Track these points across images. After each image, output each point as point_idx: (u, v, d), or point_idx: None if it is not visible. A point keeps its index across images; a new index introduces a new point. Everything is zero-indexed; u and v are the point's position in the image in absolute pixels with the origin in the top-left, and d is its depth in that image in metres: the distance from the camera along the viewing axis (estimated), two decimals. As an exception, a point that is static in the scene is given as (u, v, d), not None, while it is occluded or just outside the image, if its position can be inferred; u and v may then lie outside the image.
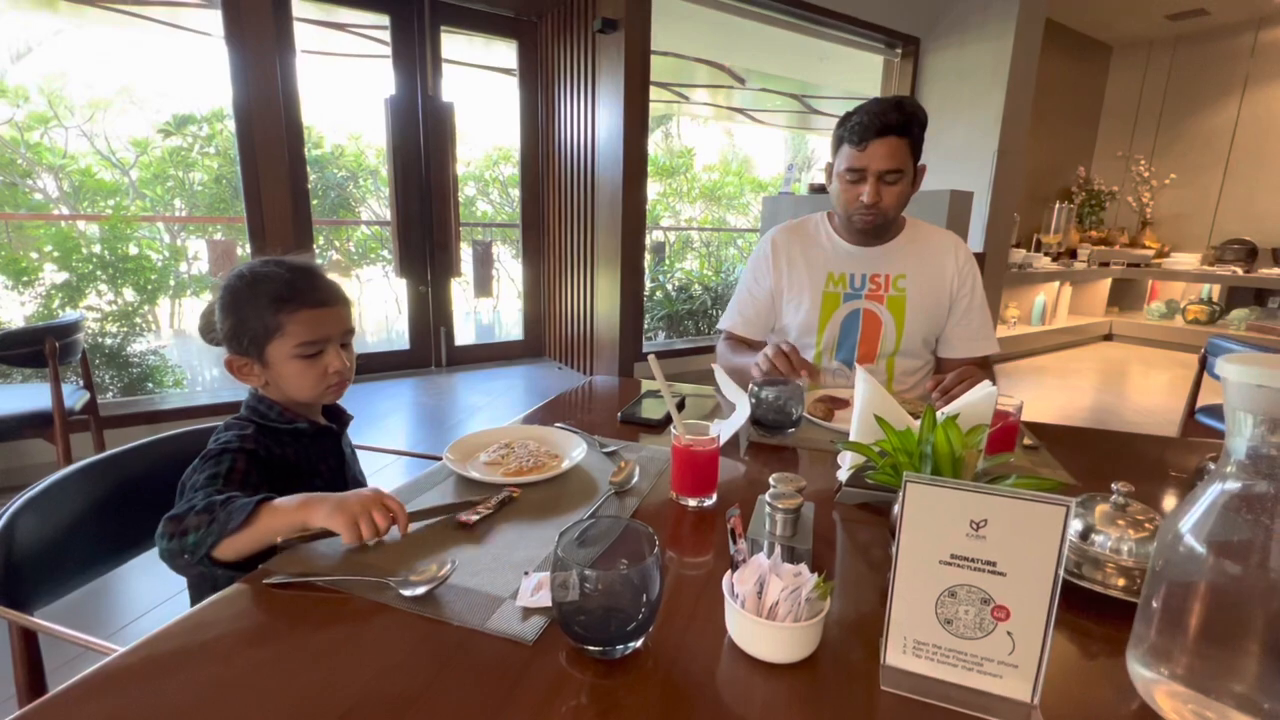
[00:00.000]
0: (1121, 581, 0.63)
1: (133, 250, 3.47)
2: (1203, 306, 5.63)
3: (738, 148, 9.19)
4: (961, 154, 4.24)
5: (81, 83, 4.11)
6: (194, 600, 0.88)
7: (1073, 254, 5.83)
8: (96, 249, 3.35)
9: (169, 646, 0.57)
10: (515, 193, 4.70)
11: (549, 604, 0.58)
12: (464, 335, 4.56)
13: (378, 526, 0.70)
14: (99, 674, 0.53)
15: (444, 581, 0.64)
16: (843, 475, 0.88)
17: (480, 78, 4.74)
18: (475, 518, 0.77)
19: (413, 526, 0.76)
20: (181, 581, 0.90)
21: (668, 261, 5.86)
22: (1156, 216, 6.10)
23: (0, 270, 3.04)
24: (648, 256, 4.97)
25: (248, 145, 2.79)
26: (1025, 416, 1.04)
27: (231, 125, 2.84)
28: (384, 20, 3.63)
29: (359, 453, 1.09)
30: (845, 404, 1.22)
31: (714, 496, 0.86)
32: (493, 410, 3.40)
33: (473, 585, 0.65)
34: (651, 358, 0.98)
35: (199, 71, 4.18)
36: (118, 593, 1.75)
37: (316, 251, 4.25)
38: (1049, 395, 4.19)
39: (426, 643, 0.57)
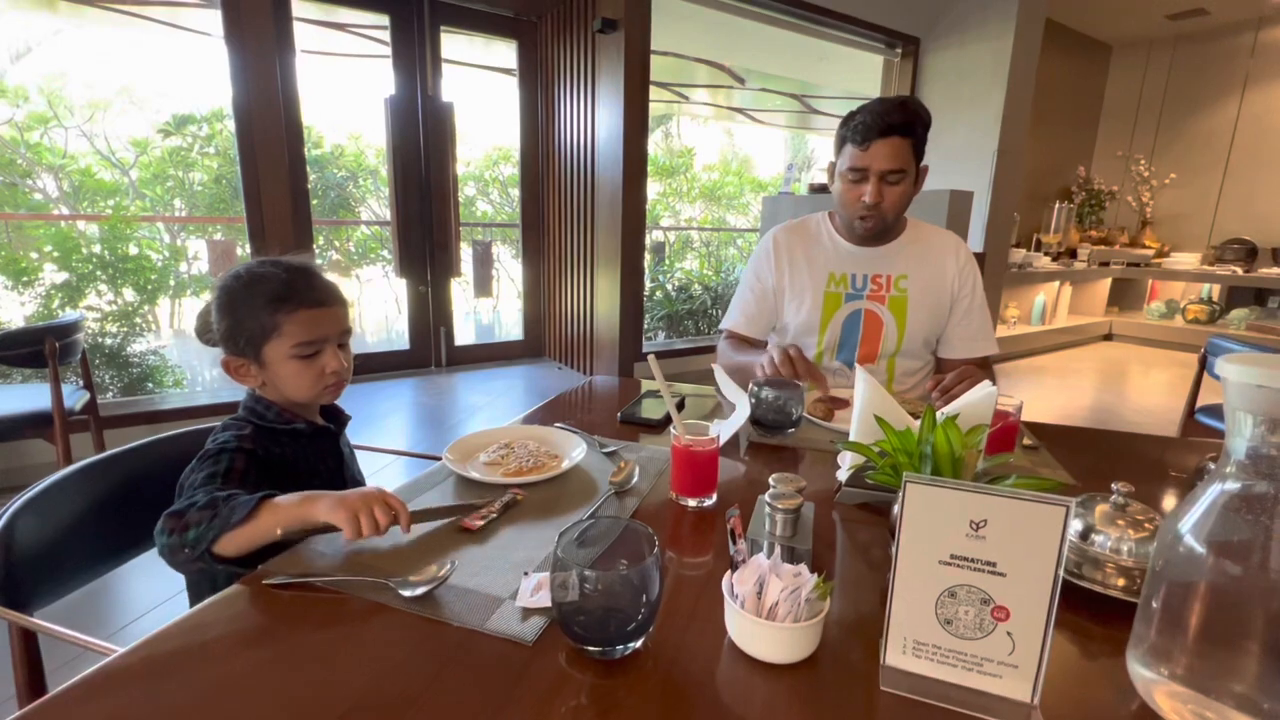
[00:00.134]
0: (1121, 581, 0.63)
1: (133, 250, 3.47)
2: (1202, 306, 5.63)
3: (737, 148, 9.19)
4: (961, 154, 4.24)
5: (81, 83, 4.11)
6: (193, 601, 0.88)
7: (1073, 254, 5.83)
8: (96, 249, 3.35)
9: (169, 647, 0.57)
10: (515, 193, 4.70)
11: (549, 604, 0.58)
12: (464, 335, 4.56)
13: (378, 523, 0.70)
14: (99, 674, 0.53)
15: (443, 582, 0.64)
16: (842, 475, 0.88)
17: (480, 78, 4.73)
18: (480, 523, 0.77)
19: (415, 527, 0.75)
20: (181, 582, 0.90)
21: (668, 261, 5.86)
22: (1156, 216, 6.10)
23: (0, 270, 3.04)
24: (647, 256, 4.97)
25: (247, 145, 2.79)
26: (1025, 416, 1.03)
27: (231, 125, 2.84)
28: (384, 20, 3.63)
29: (358, 453, 1.09)
30: (845, 404, 1.22)
31: (714, 497, 0.86)
32: (492, 410, 3.40)
33: (472, 586, 0.65)
34: (651, 358, 0.98)
35: (199, 71, 4.19)
36: (117, 593, 1.75)
37: (316, 251, 4.25)
38: (1049, 395, 4.19)
39: (426, 643, 0.57)
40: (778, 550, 0.60)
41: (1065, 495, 0.48)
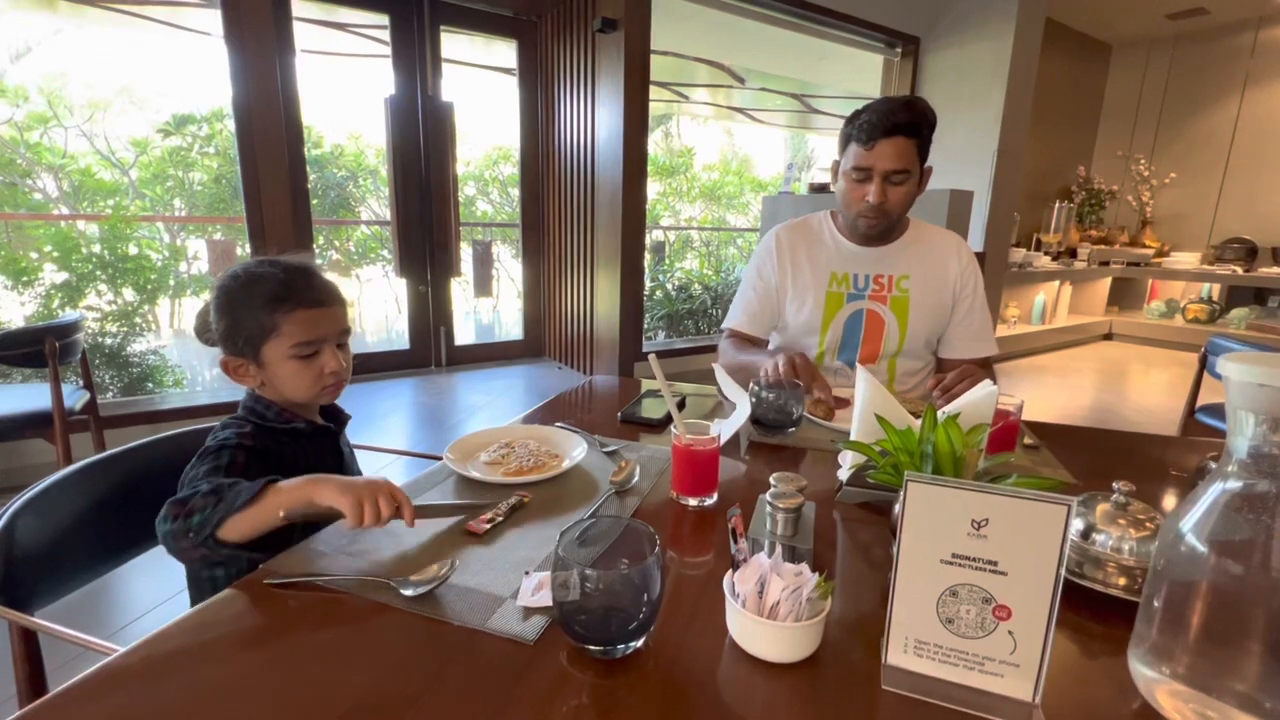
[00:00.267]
0: (1123, 581, 0.63)
1: (132, 250, 3.47)
2: (1203, 306, 5.63)
3: (737, 147, 9.19)
4: (961, 153, 4.24)
5: (81, 82, 4.11)
6: (194, 600, 0.88)
7: (1073, 253, 5.83)
8: (96, 249, 3.35)
9: (169, 646, 0.56)
10: (515, 192, 4.70)
11: (550, 603, 0.58)
12: (464, 335, 4.56)
13: (381, 513, 0.70)
14: (99, 674, 0.53)
15: (444, 581, 0.64)
16: (843, 475, 0.88)
17: (480, 77, 4.73)
18: (487, 526, 0.77)
19: (418, 526, 0.75)
20: (181, 582, 0.90)
21: (668, 261, 5.86)
22: (1156, 216, 6.10)
23: (0, 270, 3.04)
24: (647, 256, 4.97)
25: (247, 145, 2.79)
26: (1025, 416, 1.03)
27: (231, 125, 2.84)
28: (384, 20, 3.63)
29: (358, 453, 1.09)
30: (846, 403, 1.22)
31: (714, 496, 0.86)
32: (493, 410, 3.40)
33: (473, 585, 0.65)
34: (652, 357, 0.98)
35: (198, 71, 4.18)
36: (118, 593, 1.75)
37: (316, 251, 4.25)
38: (1049, 395, 4.19)
39: (427, 643, 0.57)
40: (779, 549, 0.59)
41: (1066, 494, 0.48)
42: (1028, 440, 1.09)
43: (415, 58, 3.67)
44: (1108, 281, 6.09)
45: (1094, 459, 1.07)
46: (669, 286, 5.26)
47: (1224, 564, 0.47)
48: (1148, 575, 0.53)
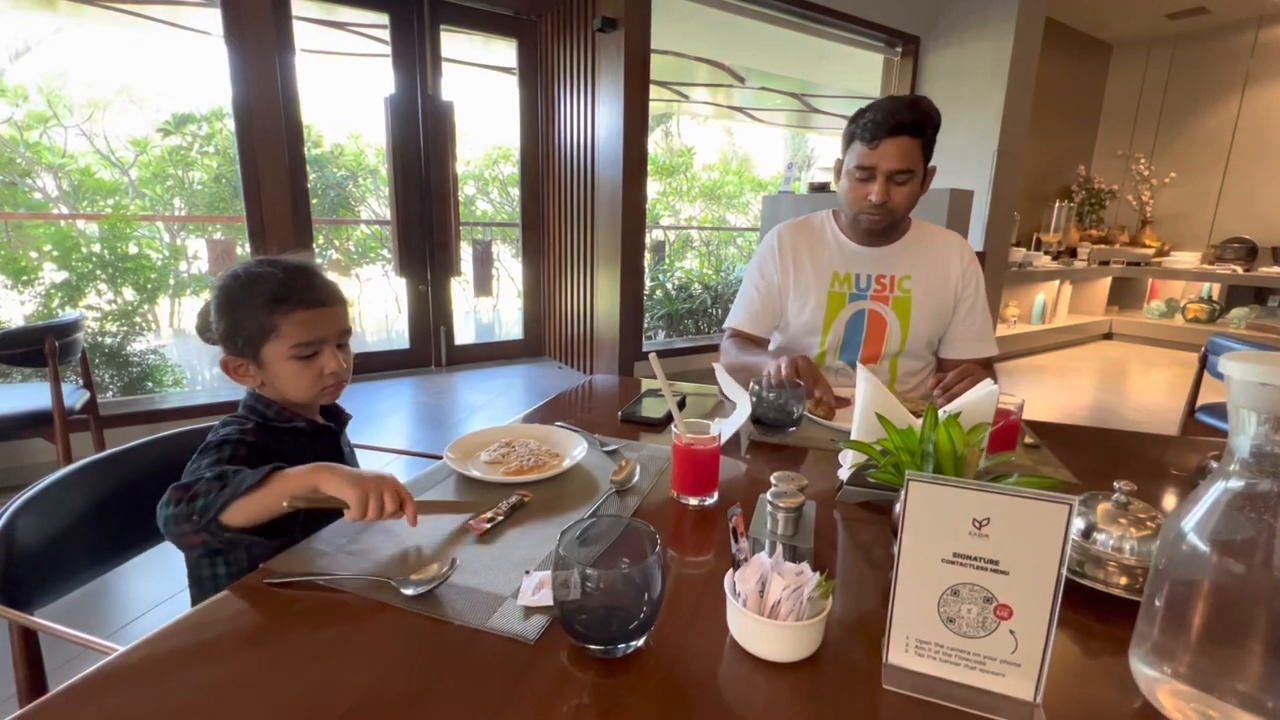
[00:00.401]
0: (1124, 580, 0.63)
1: (132, 249, 3.47)
2: (1203, 305, 5.63)
3: (737, 147, 9.19)
4: (961, 153, 4.24)
5: (81, 82, 4.11)
6: (195, 599, 0.87)
7: (1073, 253, 5.83)
8: (96, 248, 3.35)
9: (169, 646, 0.56)
10: (515, 192, 4.70)
11: (550, 603, 0.58)
12: (464, 334, 4.56)
13: (385, 508, 0.70)
14: (99, 673, 0.53)
15: (445, 580, 0.64)
16: (844, 474, 0.88)
17: (480, 77, 4.73)
18: (487, 525, 0.77)
19: (421, 521, 0.75)
20: (182, 581, 0.90)
21: (668, 260, 5.86)
22: (1156, 215, 6.10)
23: (0, 269, 3.03)
24: (647, 255, 4.97)
25: (247, 144, 2.79)
26: (1026, 415, 1.03)
27: (231, 124, 2.84)
28: (383, 19, 3.63)
29: (359, 452, 1.09)
30: (846, 403, 1.22)
31: (715, 495, 0.86)
32: (493, 409, 3.40)
33: (474, 584, 0.65)
34: (653, 356, 0.98)
35: (198, 70, 4.19)
36: (118, 592, 1.75)
37: (316, 251, 4.25)
38: (1049, 394, 4.19)
39: (428, 642, 0.57)
40: (780, 549, 0.59)
41: (1067, 494, 0.48)
42: (1028, 440, 1.09)
43: (415, 57, 3.67)
44: (1108, 281, 6.09)
45: (1094, 458, 1.07)
46: (669, 286, 5.27)
47: (1226, 563, 0.47)
48: (1149, 575, 0.53)
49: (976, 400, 0.83)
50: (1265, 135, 5.33)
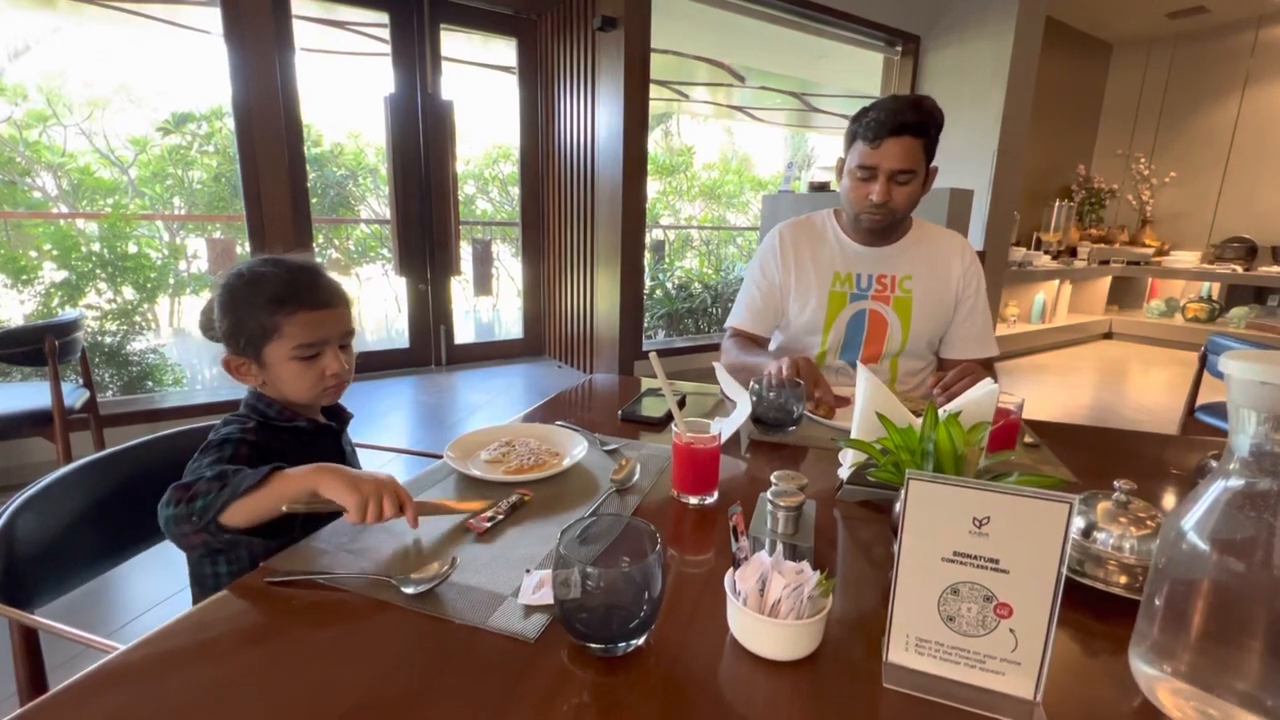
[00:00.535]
0: (1124, 579, 0.63)
1: (132, 249, 3.47)
2: (1202, 304, 5.63)
3: (737, 146, 9.19)
4: (961, 152, 4.24)
5: (80, 80, 4.11)
6: (196, 598, 0.87)
7: (1073, 252, 5.83)
8: (96, 247, 3.35)
9: (170, 645, 0.56)
10: (515, 191, 4.69)
11: (551, 601, 0.58)
12: (464, 334, 4.55)
13: (385, 512, 0.70)
14: (100, 672, 0.53)
15: (445, 579, 0.64)
16: (844, 473, 0.88)
17: (480, 76, 4.73)
18: (487, 525, 0.77)
19: (421, 520, 0.75)
20: (182, 580, 0.90)
21: (667, 260, 5.86)
22: (1156, 214, 6.10)
23: (0, 268, 3.03)
24: (647, 255, 4.97)
25: (247, 143, 2.79)
26: (1026, 414, 1.03)
27: (231, 123, 2.84)
28: (383, 18, 3.62)
29: (359, 451, 1.09)
30: (847, 402, 1.22)
31: (715, 494, 0.86)
32: (493, 408, 3.40)
33: (474, 583, 0.65)
34: (653, 355, 0.98)
35: (198, 69, 4.18)
36: (118, 591, 1.75)
37: (316, 250, 4.25)
38: (1049, 393, 4.19)
39: (428, 641, 0.57)
40: (780, 548, 0.59)
41: (1067, 493, 0.48)
42: (1028, 439, 1.09)
43: (415, 56, 3.67)
44: (1107, 280, 6.09)
45: (1094, 457, 1.07)
46: (669, 285, 5.27)
47: (1226, 562, 0.47)
48: (1149, 573, 0.53)
49: (976, 399, 0.83)
50: (1265, 135, 5.33)
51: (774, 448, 1.06)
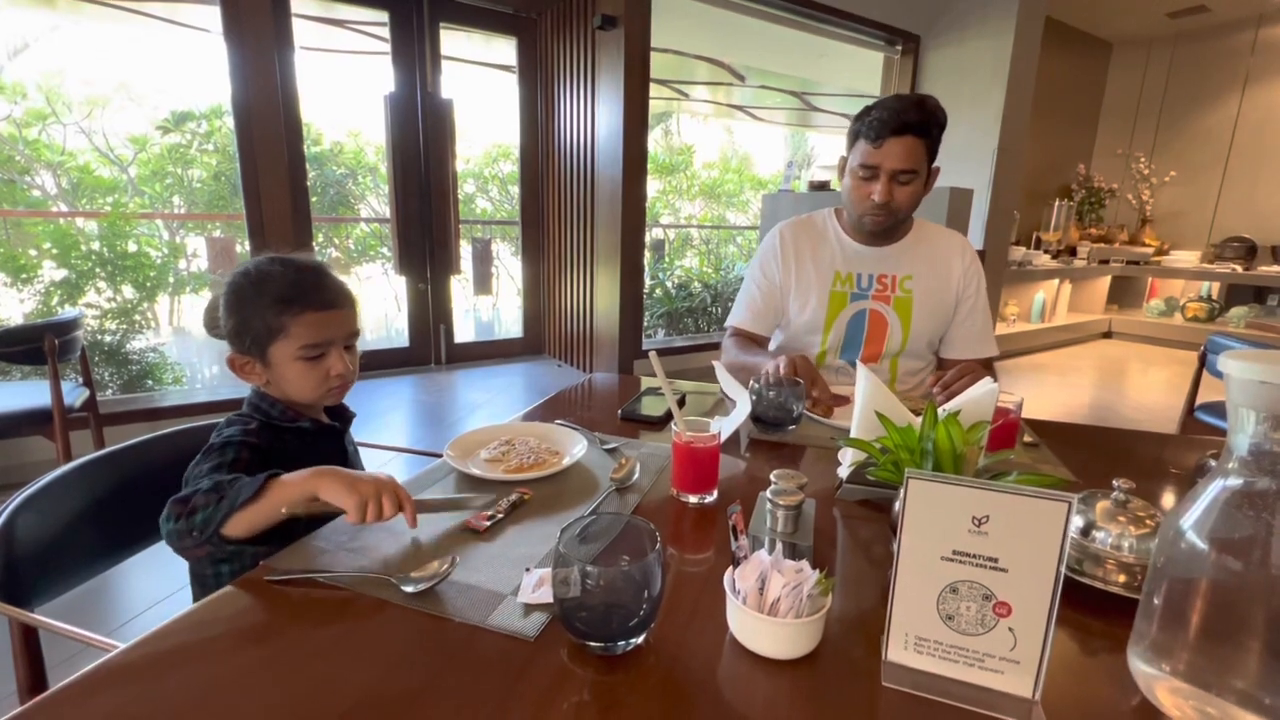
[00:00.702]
0: (1123, 578, 0.63)
1: (131, 247, 3.46)
2: (1202, 304, 5.63)
3: (737, 145, 9.19)
4: (961, 151, 4.23)
5: (79, 79, 4.11)
6: (197, 596, 0.88)
7: (1072, 251, 5.83)
8: (95, 246, 3.35)
9: (170, 643, 0.56)
10: (515, 190, 4.69)
11: (550, 600, 0.58)
12: (463, 333, 4.55)
13: (384, 512, 0.70)
14: (100, 671, 0.53)
15: (445, 578, 0.64)
16: (844, 472, 0.88)
17: (480, 74, 4.73)
18: (486, 524, 0.77)
19: (421, 524, 0.75)
20: (183, 578, 0.90)
21: (667, 259, 5.86)
22: (1156, 214, 6.10)
23: (0, 267, 3.04)
24: (647, 254, 4.97)
25: (246, 142, 2.79)
26: (1025, 413, 1.04)
27: (230, 122, 2.84)
28: (383, 17, 3.62)
29: (360, 450, 1.09)
30: (846, 401, 1.22)
31: (715, 493, 0.86)
32: (492, 407, 3.40)
33: (474, 581, 0.65)
34: (653, 354, 0.98)
35: (197, 68, 4.18)
36: (118, 589, 1.75)
37: (316, 249, 4.25)
38: (1049, 392, 4.20)
39: (428, 639, 0.57)
40: (779, 546, 0.59)
41: (1066, 492, 0.48)
42: (1028, 438, 1.09)
43: (415, 55, 3.66)
44: (1107, 280, 6.10)
45: (1093, 457, 1.07)
46: (669, 284, 5.26)
47: (1224, 561, 0.47)
48: (1148, 572, 0.53)
49: (976, 398, 0.83)
50: (1265, 134, 5.33)
51: (773, 447, 1.06)
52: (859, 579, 0.69)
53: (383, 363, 3.98)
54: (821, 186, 3.63)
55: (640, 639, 0.56)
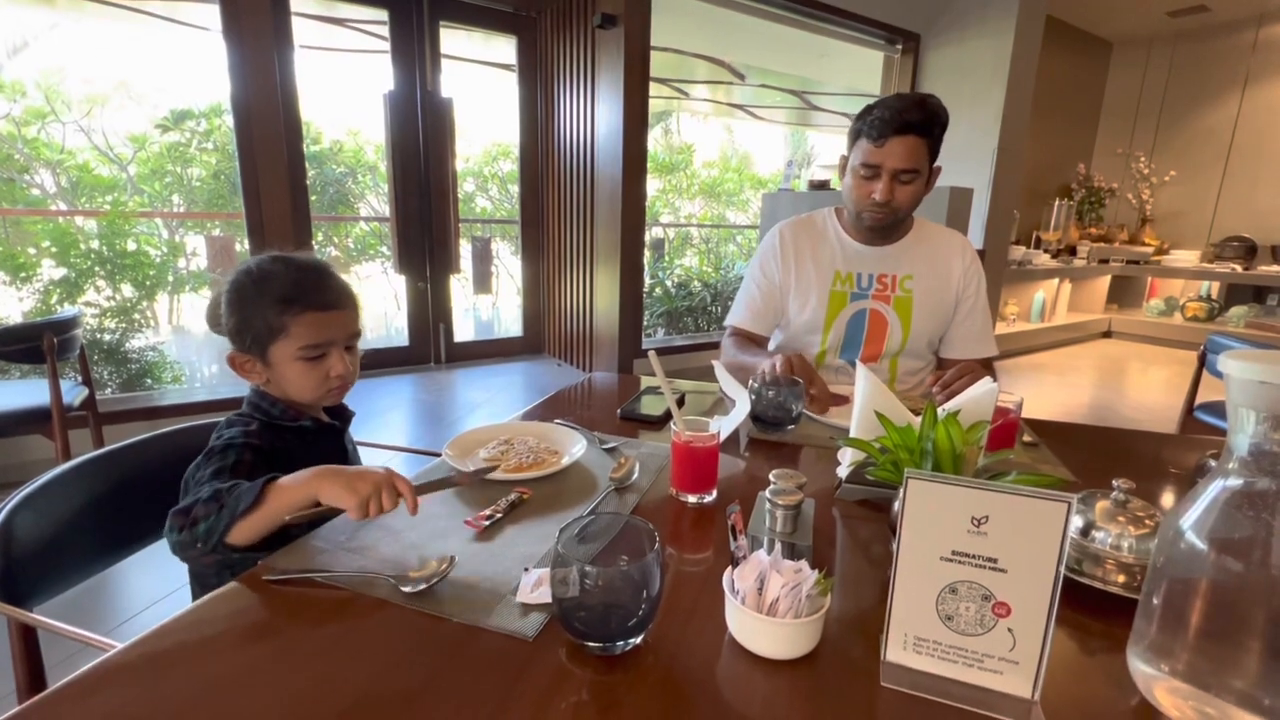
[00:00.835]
0: (1122, 578, 0.63)
1: (131, 246, 3.46)
2: (1202, 304, 5.63)
3: (737, 144, 9.18)
4: (961, 151, 4.23)
5: (79, 77, 4.10)
6: (196, 595, 0.87)
7: (1072, 251, 5.83)
8: (95, 245, 3.34)
9: (168, 643, 0.56)
10: (514, 189, 4.69)
11: (549, 600, 0.58)
12: (463, 332, 4.55)
13: (385, 506, 0.70)
14: (98, 670, 0.53)
15: (444, 578, 0.64)
16: (843, 472, 0.88)
17: (479, 73, 4.72)
18: (485, 523, 0.77)
19: (420, 518, 0.75)
20: (181, 577, 0.90)
21: (667, 258, 5.86)
22: (1156, 213, 6.10)
23: (-2, 266, 3.03)
24: (647, 253, 4.96)
25: (246, 141, 2.78)
26: (1025, 413, 1.03)
27: (230, 121, 2.83)
28: (383, 15, 3.62)
29: (359, 449, 1.09)
30: (845, 400, 1.22)
31: (714, 493, 0.86)
32: (492, 407, 3.40)
33: (473, 581, 0.65)
34: (652, 354, 0.98)
35: (197, 66, 4.17)
36: (117, 589, 1.75)
37: (315, 247, 4.24)
38: (1048, 392, 4.20)
39: (427, 639, 0.57)
40: (778, 546, 0.59)
41: (1066, 492, 0.48)
42: (1027, 438, 1.09)
43: (414, 53, 3.66)
44: (1107, 279, 6.10)
45: (1093, 456, 1.07)
46: (668, 284, 5.26)
47: (1224, 561, 0.47)
48: (1147, 573, 0.53)
49: (975, 398, 0.83)
50: (1265, 134, 5.33)
51: (773, 446, 1.06)
52: (858, 579, 0.69)
53: (382, 361, 3.98)
54: (821, 186, 3.63)
55: (639, 639, 0.56)
